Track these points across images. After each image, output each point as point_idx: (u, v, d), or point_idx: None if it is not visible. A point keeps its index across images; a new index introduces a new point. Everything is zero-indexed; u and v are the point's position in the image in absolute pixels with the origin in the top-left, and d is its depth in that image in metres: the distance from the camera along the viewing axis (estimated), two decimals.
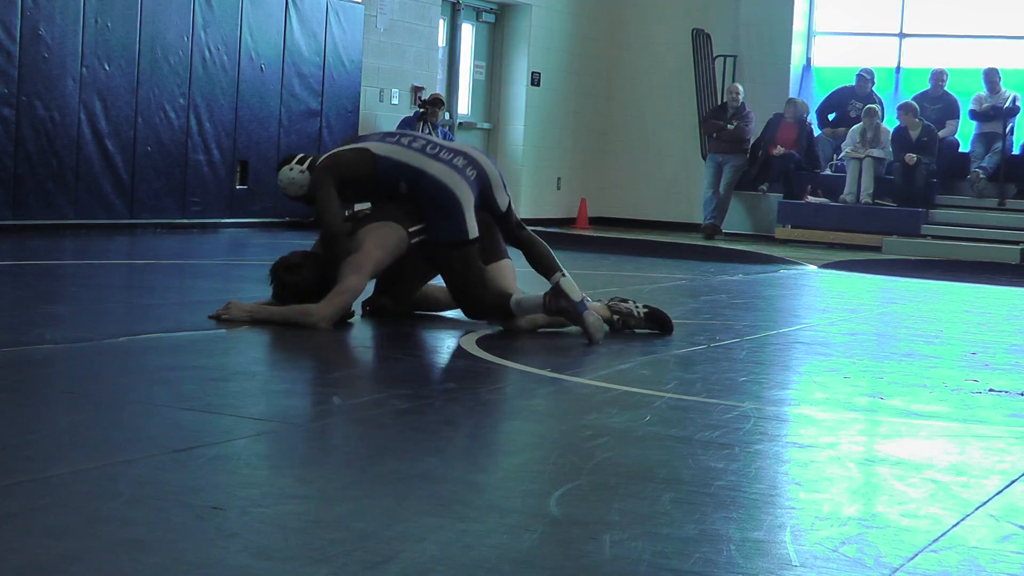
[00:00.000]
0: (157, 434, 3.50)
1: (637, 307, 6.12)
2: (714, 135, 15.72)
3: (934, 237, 14.65)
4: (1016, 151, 15.44)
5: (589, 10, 17.05)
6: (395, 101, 13.97)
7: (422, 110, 13.23)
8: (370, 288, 6.19)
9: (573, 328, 5.89)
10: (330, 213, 5.92)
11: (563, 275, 5.84)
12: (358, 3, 13.30)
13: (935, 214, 15.05)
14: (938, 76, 15.53)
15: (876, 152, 15.02)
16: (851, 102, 15.80)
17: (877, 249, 14.34)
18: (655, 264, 11.26)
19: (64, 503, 2.76)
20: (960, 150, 15.51)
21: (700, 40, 16.32)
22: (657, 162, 17.23)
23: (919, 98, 15.42)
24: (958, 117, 15.47)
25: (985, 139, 15.27)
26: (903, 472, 3.53)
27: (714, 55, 16.50)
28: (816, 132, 16.04)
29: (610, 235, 14.91)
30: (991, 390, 5.05)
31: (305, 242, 6.29)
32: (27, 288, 7.06)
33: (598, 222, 16.95)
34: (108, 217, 10.93)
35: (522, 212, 6.42)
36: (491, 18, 16.02)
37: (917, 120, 14.97)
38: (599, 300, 6.19)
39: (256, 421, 3.72)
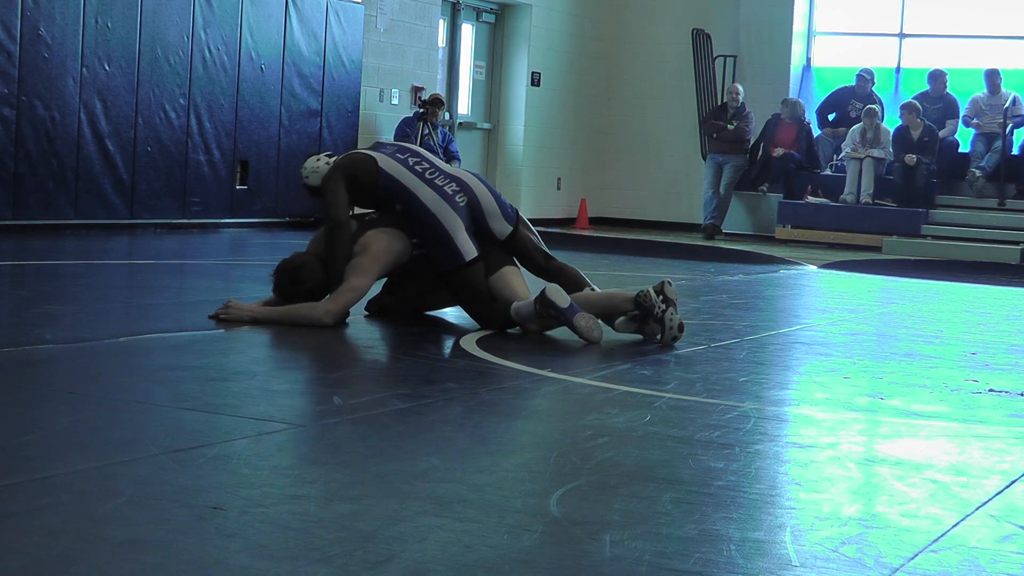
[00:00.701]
0: (157, 434, 3.50)
1: (669, 313, 5.80)
2: (714, 135, 15.71)
3: (934, 237, 14.64)
4: (1015, 151, 15.43)
5: (589, 10, 17.05)
6: (395, 101, 13.97)
7: (422, 110, 13.22)
8: (373, 288, 6.20)
9: None
10: (336, 206, 6.05)
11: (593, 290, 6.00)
12: (358, 3, 13.29)
13: (935, 214, 15.04)
14: (938, 76, 15.52)
15: (876, 152, 15.01)
16: (851, 102, 15.79)
17: (877, 249, 14.34)
18: (655, 264, 11.25)
19: (64, 503, 2.76)
20: (960, 150, 15.51)
21: (700, 40, 16.32)
22: (657, 162, 17.22)
23: (919, 98, 15.41)
24: (958, 117, 15.47)
25: (985, 139, 15.27)
26: (903, 472, 3.54)
27: (714, 55, 16.50)
28: (816, 132, 16.03)
29: (610, 235, 14.91)
30: (991, 390, 5.05)
31: (305, 243, 6.28)
32: (27, 288, 7.06)
33: (598, 222, 16.94)
34: (108, 217, 10.93)
35: (522, 212, 6.42)
36: (491, 18, 16.01)
37: (919, 120, 14.96)
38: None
39: (256, 421, 3.72)
